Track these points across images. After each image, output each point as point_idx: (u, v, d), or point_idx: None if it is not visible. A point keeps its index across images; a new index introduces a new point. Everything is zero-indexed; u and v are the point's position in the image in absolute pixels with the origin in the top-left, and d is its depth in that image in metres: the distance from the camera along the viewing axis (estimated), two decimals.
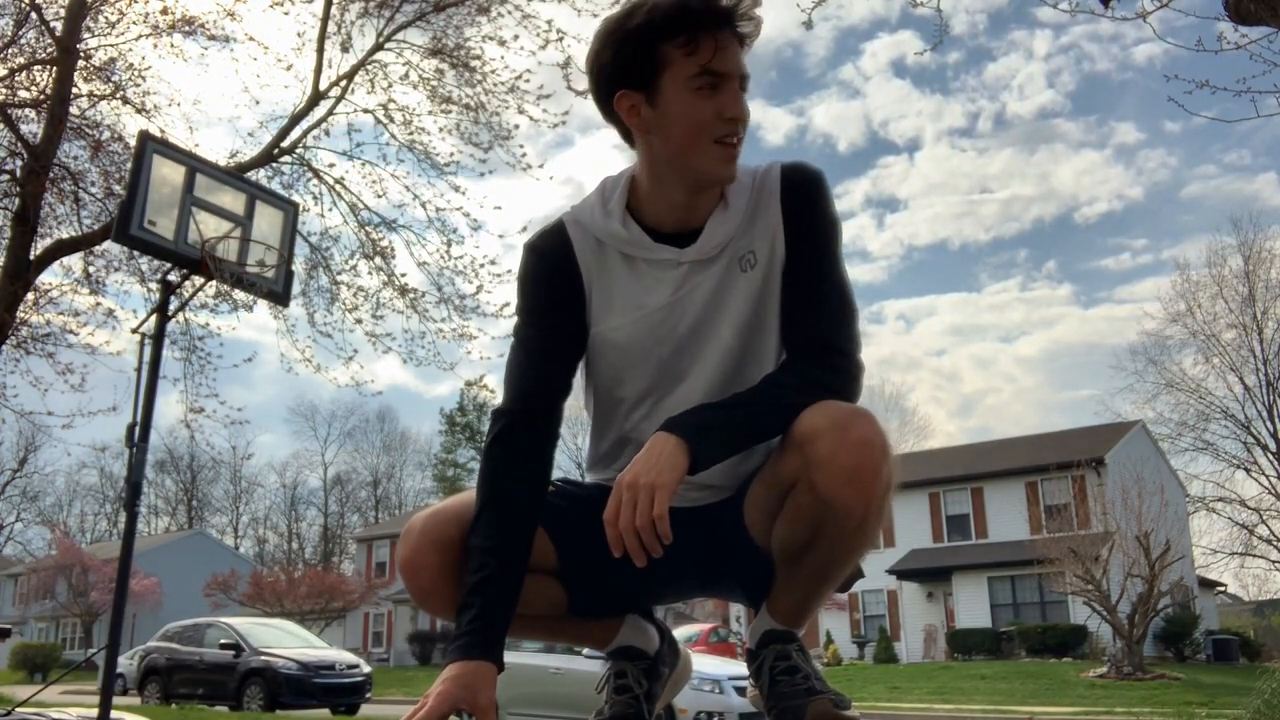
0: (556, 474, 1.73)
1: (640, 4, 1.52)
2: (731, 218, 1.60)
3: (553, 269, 1.63)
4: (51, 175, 10.38)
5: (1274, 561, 36.79)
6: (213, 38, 11.54)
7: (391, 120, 12.16)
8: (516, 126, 12.05)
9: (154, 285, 9.02)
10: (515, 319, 1.68)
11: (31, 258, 10.21)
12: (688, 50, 1.49)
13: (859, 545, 1.54)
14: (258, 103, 34.35)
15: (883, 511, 1.49)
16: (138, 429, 5.86)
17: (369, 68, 12.07)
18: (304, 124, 11.95)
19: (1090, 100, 74.67)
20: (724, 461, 1.59)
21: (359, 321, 12.15)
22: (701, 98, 1.50)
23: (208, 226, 6.36)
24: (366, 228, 12.36)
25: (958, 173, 76.85)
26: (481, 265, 12.17)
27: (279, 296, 7.10)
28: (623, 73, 1.54)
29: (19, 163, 10.42)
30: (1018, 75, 74.50)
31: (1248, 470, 35.62)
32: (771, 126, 79.21)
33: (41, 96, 10.54)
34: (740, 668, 11.33)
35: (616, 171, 1.69)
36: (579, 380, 1.72)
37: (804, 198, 1.61)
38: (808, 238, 1.61)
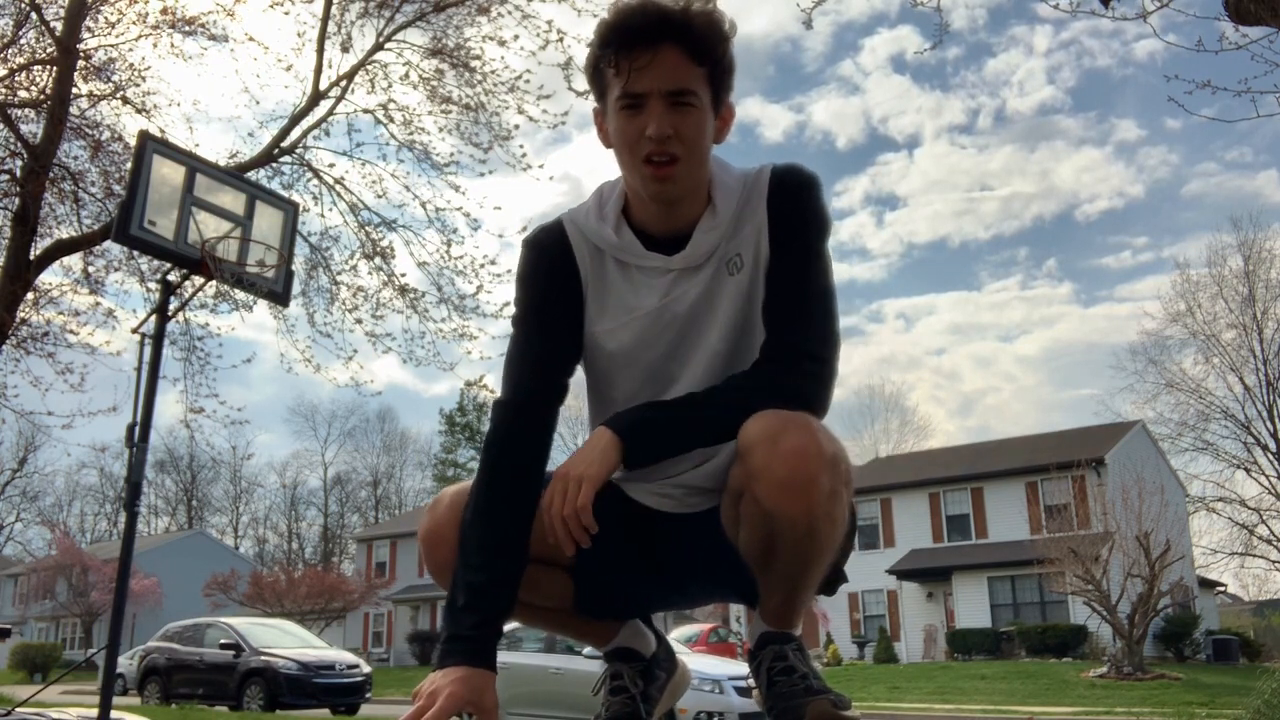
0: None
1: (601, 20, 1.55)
2: (719, 224, 1.60)
3: (551, 264, 1.65)
4: (51, 175, 10.38)
5: (1274, 561, 36.83)
6: (213, 37, 11.57)
7: (391, 120, 12.18)
8: (516, 126, 12.08)
9: (154, 285, 9.02)
10: (514, 312, 1.69)
11: (31, 258, 10.21)
12: (615, 73, 1.52)
13: (815, 553, 1.52)
14: (258, 103, 34.47)
15: (832, 518, 1.48)
16: (138, 429, 5.86)
17: (369, 68, 12.09)
18: (304, 124, 11.97)
19: (1091, 96, 74.76)
20: (721, 466, 1.61)
21: (359, 321, 12.17)
22: (627, 118, 1.52)
23: (208, 226, 6.36)
24: (366, 228, 12.38)
25: (957, 170, 76.96)
26: (481, 265, 12.19)
27: (279, 296, 7.10)
28: (591, 89, 1.61)
29: (19, 163, 10.42)
30: (1018, 71, 74.50)
31: (1248, 470, 35.68)
32: (770, 123, 79.33)
33: (41, 96, 10.54)
34: (740, 668, 11.34)
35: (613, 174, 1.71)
36: (579, 378, 1.73)
37: (790, 201, 1.60)
38: (791, 240, 1.60)
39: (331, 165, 12.38)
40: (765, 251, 1.60)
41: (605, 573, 1.63)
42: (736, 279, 1.61)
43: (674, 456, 1.56)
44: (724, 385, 1.57)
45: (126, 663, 21.62)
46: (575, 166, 68.73)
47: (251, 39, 11.83)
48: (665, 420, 1.53)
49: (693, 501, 1.69)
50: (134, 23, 11.08)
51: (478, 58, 11.93)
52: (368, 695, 16.32)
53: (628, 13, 1.49)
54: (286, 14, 11.63)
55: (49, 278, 11.13)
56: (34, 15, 10.60)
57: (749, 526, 1.54)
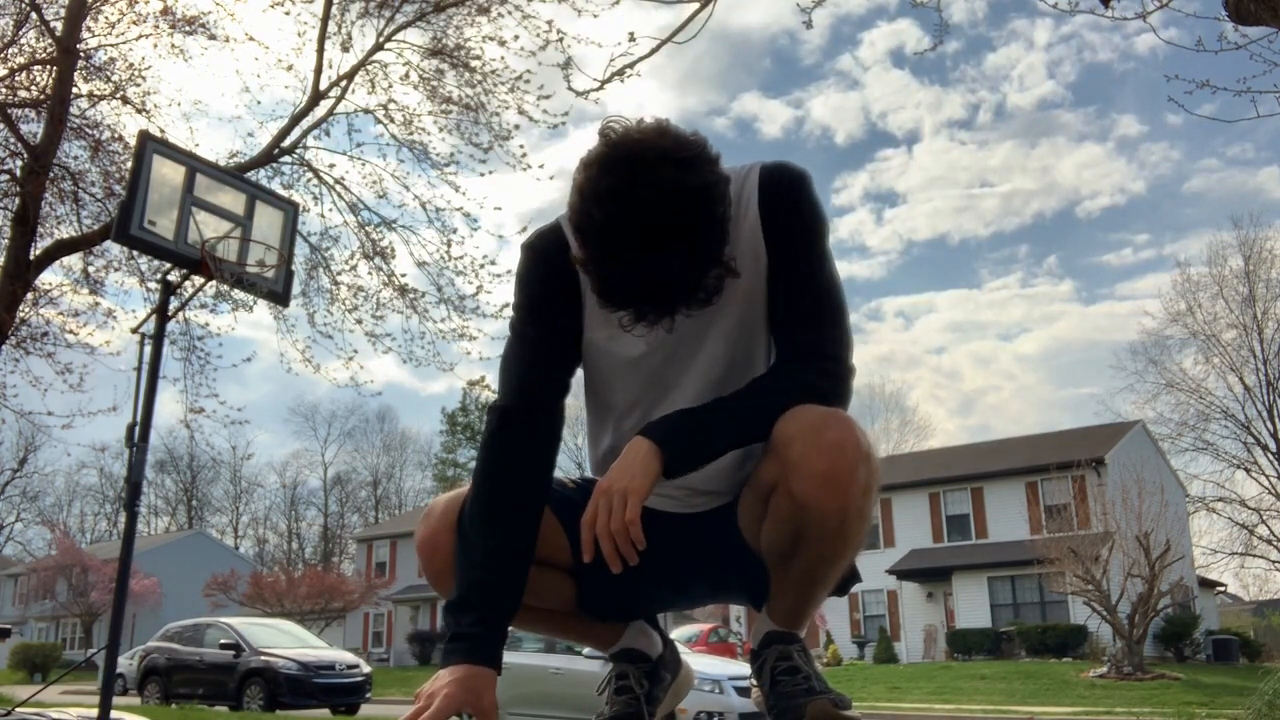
0: (559, 474, 1.74)
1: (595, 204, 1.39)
2: None
3: (549, 268, 1.63)
4: (51, 175, 10.38)
5: (1274, 561, 36.86)
6: (213, 37, 11.56)
7: (391, 120, 12.18)
8: (516, 127, 12.07)
9: (154, 285, 9.03)
10: (512, 315, 1.68)
11: (31, 258, 10.21)
12: None
13: (841, 549, 1.53)
14: (258, 103, 34.49)
15: (863, 514, 1.48)
16: (138, 429, 5.86)
17: (369, 68, 12.08)
18: (304, 124, 11.97)
19: (1091, 91, 74.26)
20: (723, 467, 1.60)
21: (359, 322, 12.16)
22: None
23: (208, 226, 6.36)
24: (366, 228, 12.38)
25: (957, 166, 76.55)
26: (481, 265, 12.18)
27: (279, 296, 7.10)
28: None
29: (19, 163, 10.42)
30: (1018, 65, 73.96)
31: (1248, 470, 35.73)
32: (768, 119, 79.20)
33: (41, 96, 10.54)
34: (740, 668, 11.34)
35: None
36: (579, 382, 1.73)
37: (781, 200, 1.58)
38: (788, 240, 1.58)
39: (331, 165, 12.39)
40: (762, 253, 1.59)
41: (609, 574, 1.64)
42: (734, 282, 1.58)
43: (710, 462, 1.53)
44: (749, 388, 1.56)
45: (126, 663, 21.61)
46: (572, 162, 68.32)
47: (251, 39, 11.85)
48: (701, 425, 1.50)
49: (695, 502, 1.69)
50: (134, 23, 11.09)
51: (478, 58, 11.93)
52: (368, 695, 16.32)
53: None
54: (287, 14, 11.63)
55: (49, 278, 11.15)
56: (34, 15, 10.61)
57: (777, 521, 1.53)
